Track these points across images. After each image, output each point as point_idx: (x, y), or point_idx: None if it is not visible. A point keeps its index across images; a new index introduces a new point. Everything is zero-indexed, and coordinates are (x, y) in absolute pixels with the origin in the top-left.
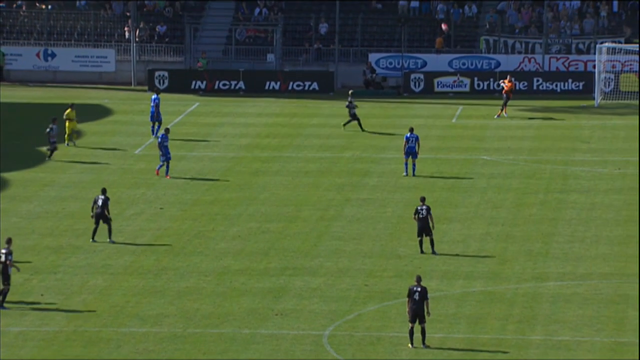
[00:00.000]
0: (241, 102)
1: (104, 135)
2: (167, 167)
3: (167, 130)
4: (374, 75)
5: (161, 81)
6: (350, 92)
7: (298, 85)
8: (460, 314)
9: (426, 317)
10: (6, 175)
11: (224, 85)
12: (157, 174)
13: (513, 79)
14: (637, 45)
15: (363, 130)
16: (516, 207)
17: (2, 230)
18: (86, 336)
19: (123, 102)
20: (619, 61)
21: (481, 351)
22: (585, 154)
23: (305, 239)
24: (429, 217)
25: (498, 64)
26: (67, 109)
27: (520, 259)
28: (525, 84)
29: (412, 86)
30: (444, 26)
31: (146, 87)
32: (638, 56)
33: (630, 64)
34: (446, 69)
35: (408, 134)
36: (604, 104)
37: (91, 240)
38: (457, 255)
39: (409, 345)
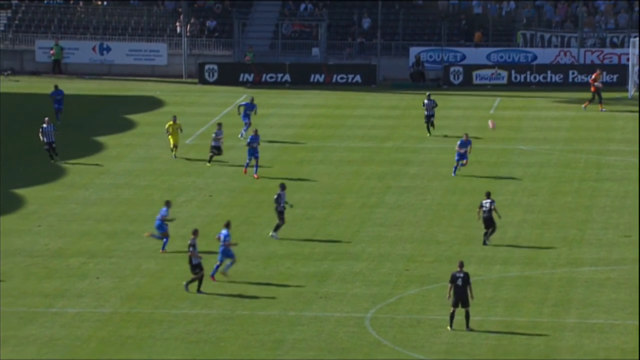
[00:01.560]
0: (287, 94)
1: (156, 126)
2: (256, 166)
3: (255, 131)
4: (420, 67)
5: (211, 74)
6: (427, 94)
7: (342, 78)
8: (498, 297)
9: (470, 301)
10: (64, 163)
11: (271, 77)
12: (245, 172)
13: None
14: None
15: (429, 134)
16: (552, 195)
17: (60, 216)
18: (139, 317)
19: (174, 94)
20: None
21: (518, 334)
22: (619, 144)
23: (348, 225)
24: (493, 210)
25: (535, 57)
26: (169, 122)
27: (556, 245)
28: (561, 76)
29: (451, 79)
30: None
31: (197, 80)
32: None
33: None
34: (484, 62)
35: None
36: (637, 96)
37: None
38: (495, 242)
39: (448, 327)
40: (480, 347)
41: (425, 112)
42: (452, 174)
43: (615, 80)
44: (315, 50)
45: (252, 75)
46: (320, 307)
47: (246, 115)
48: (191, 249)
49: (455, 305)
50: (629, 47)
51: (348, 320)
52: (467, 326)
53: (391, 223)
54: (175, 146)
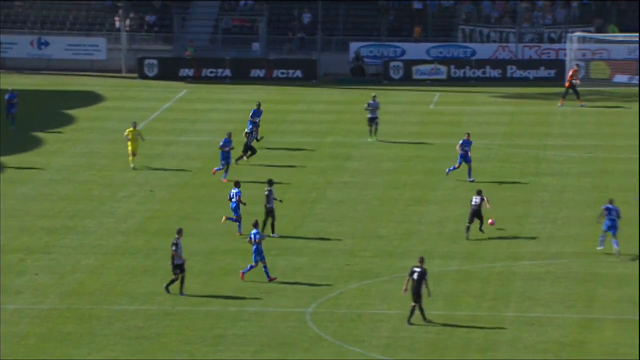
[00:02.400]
0: (227, 89)
1: (95, 121)
2: (226, 171)
3: (229, 134)
4: (360, 62)
5: (150, 69)
6: (373, 95)
7: (282, 73)
8: (438, 292)
9: (424, 297)
10: (3, 159)
11: (211, 72)
12: (214, 173)
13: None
14: (607, 34)
15: (371, 137)
16: (491, 189)
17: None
18: (79, 313)
19: (114, 89)
20: (589, 50)
21: (458, 326)
22: (557, 139)
23: (289, 221)
24: (482, 204)
25: (474, 53)
26: (129, 128)
27: (495, 239)
28: (500, 71)
29: (391, 74)
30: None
31: (136, 75)
32: (607, 45)
33: (600, 53)
34: (424, 57)
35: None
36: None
37: (271, 234)
38: (433, 237)
39: (423, 321)
40: (420, 341)
41: (369, 115)
42: (469, 179)
43: (553, 75)
44: (255, 46)
45: (192, 70)
46: (261, 303)
47: (252, 122)
48: (174, 248)
49: (413, 299)
50: (566, 42)
51: (289, 315)
52: (409, 321)
53: (332, 218)
54: (133, 154)
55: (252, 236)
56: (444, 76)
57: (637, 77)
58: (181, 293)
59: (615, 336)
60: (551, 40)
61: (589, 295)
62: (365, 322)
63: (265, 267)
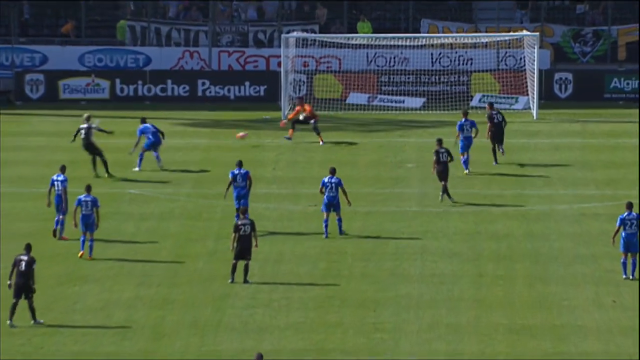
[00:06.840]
0: None
1: None
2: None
3: (62, 168)
4: None
5: None
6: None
7: None
8: None
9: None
10: None
11: None
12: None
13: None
14: (336, 34)
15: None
16: (176, 258)
17: None
18: None
19: None
20: (313, 57)
21: None
22: (270, 186)
23: None
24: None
25: (148, 61)
26: None
27: (183, 333)
28: (187, 88)
29: (27, 91)
30: None
31: None
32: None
33: (328, 61)
34: (76, 67)
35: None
36: (288, 115)
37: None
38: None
39: None
40: None
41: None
42: None
43: (262, 93)
44: None
45: None
46: None
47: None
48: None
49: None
50: (280, 46)
51: None
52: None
53: None
54: None
55: None
56: (106, 95)
57: (379, 96)
58: None
59: None
60: (259, 44)
61: None
62: None
63: None
